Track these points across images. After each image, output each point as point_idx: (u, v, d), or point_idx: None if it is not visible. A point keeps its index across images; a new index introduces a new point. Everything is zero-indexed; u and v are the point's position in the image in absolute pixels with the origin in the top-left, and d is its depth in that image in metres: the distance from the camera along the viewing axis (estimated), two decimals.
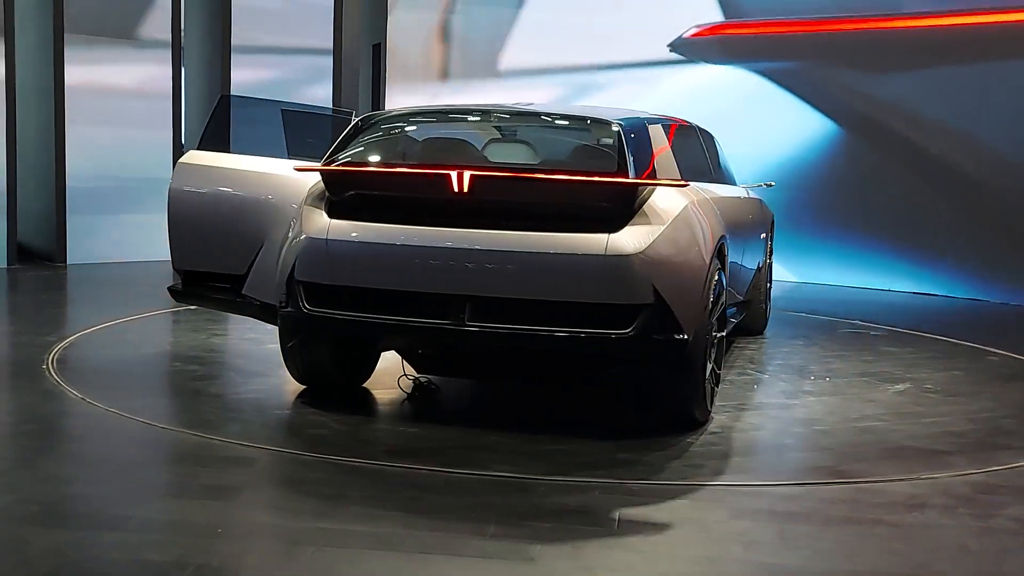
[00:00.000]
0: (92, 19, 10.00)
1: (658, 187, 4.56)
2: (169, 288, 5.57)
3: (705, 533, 3.56)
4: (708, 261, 4.64)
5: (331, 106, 11.08)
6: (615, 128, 4.69)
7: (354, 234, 4.62)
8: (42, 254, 10.14)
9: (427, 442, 4.50)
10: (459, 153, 4.94)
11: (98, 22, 10.05)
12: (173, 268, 5.57)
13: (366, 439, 4.58)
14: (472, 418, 4.96)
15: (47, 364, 5.62)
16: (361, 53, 12.42)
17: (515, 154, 4.95)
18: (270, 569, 3.11)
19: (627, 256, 4.33)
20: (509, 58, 11.78)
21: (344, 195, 4.70)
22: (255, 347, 6.28)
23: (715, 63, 10.97)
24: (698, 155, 6.04)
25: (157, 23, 10.32)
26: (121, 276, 9.32)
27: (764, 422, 5.01)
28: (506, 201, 4.53)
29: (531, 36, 11.61)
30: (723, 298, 4.96)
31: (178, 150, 10.52)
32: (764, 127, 10.32)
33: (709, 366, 4.76)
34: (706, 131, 6.54)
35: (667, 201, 4.55)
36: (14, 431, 4.52)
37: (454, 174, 4.37)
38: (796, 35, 10.66)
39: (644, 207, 4.47)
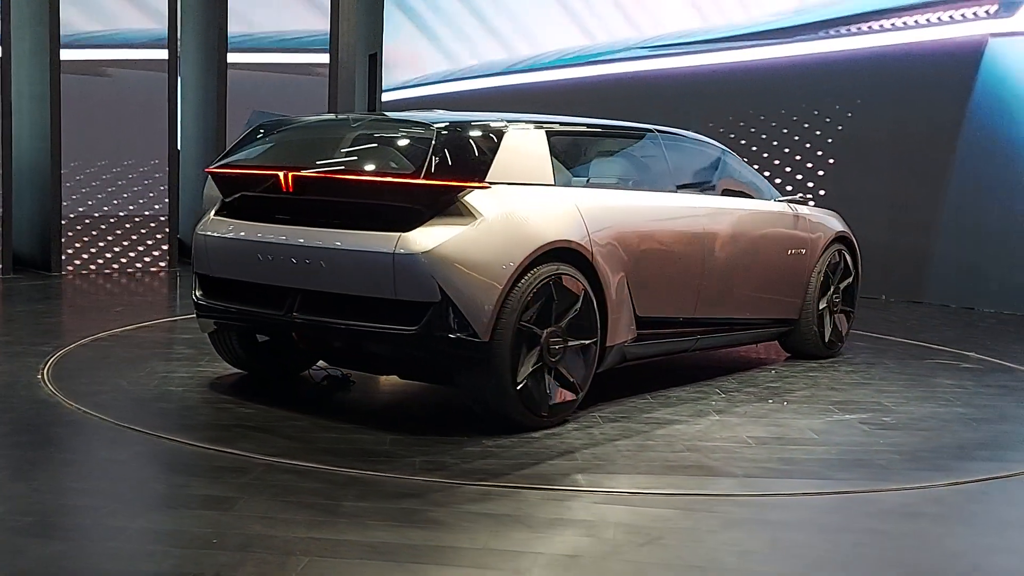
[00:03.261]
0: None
1: (475, 189, 4.69)
2: None
3: (697, 542, 3.57)
4: (518, 265, 4.65)
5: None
6: (430, 131, 4.80)
7: (219, 230, 5.22)
8: (37, 263, 10.14)
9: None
10: (304, 156, 5.13)
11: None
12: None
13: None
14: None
15: (42, 374, 5.63)
16: (357, 63, 12.47)
17: (352, 157, 4.96)
18: None
19: (412, 255, 4.52)
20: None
21: (228, 194, 5.28)
22: None
23: None
24: (641, 163, 5.99)
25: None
26: (117, 286, 9.32)
27: (604, 433, 4.84)
28: (324, 200, 4.89)
29: None
30: (581, 304, 4.91)
31: (175, 159, 10.54)
32: None
33: (526, 370, 4.70)
34: (690, 139, 6.40)
35: (478, 203, 4.67)
36: (8, 441, 4.52)
37: (281, 175, 4.85)
38: None
39: (451, 208, 4.64)
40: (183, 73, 11.09)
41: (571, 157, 5.48)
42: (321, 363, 5.70)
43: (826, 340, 6.92)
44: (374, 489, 3.97)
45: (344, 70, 11.70)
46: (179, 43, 10.78)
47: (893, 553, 3.56)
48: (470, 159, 4.82)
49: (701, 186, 6.26)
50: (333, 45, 11.48)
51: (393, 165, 4.80)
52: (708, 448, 4.68)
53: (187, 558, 3.24)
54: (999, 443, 5.01)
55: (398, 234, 4.57)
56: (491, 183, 4.79)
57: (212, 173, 5.33)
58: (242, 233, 5.11)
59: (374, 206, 4.73)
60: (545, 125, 5.30)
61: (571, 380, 4.95)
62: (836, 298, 6.98)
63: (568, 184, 5.28)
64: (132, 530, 3.51)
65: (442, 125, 4.85)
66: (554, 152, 5.24)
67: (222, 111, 10.87)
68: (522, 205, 4.86)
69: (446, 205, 4.64)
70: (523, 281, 4.69)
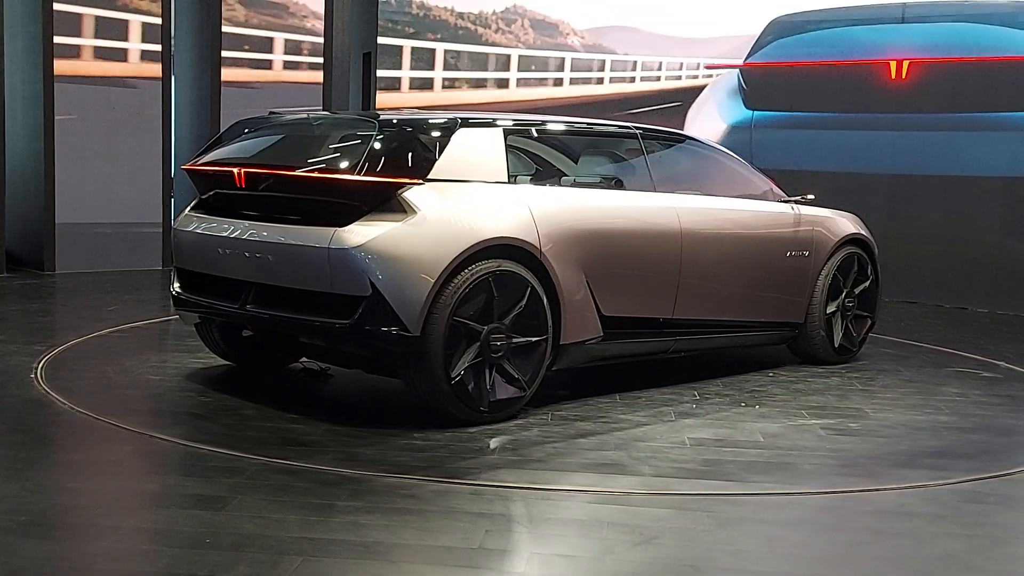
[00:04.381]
0: None
1: (414, 186, 4.75)
2: None
3: (692, 542, 3.56)
4: (451, 260, 4.67)
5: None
6: (371, 129, 4.91)
7: (190, 225, 5.38)
8: (30, 262, 10.11)
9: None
10: (264, 153, 5.27)
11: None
12: None
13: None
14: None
15: (35, 373, 5.61)
16: (352, 62, 12.45)
17: (304, 154, 5.05)
18: None
19: (345, 249, 4.61)
20: None
21: (203, 191, 5.45)
22: None
23: None
24: (616, 162, 5.98)
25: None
26: (111, 285, 9.30)
27: (543, 431, 4.77)
28: (275, 196, 5.00)
29: None
30: (526, 301, 4.90)
31: (167, 159, 10.51)
32: None
33: (462, 365, 4.72)
34: (678, 139, 6.36)
35: (416, 199, 4.73)
36: (2, 440, 4.50)
37: (235, 171, 5.01)
38: None
39: (388, 204, 4.71)
40: (177, 72, 11.05)
41: (534, 156, 5.50)
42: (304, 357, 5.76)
43: (836, 345, 6.70)
44: (368, 488, 3.96)
45: (337, 69, 11.68)
46: (173, 41, 10.75)
47: (888, 552, 3.56)
48: (412, 156, 4.88)
49: (688, 185, 6.12)
50: (327, 43, 11.46)
51: (338, 162, 4.86)
52: (638, 448, 4.61)
53: (180, 558, 3.23)
54: (954, 452, 4.80)
55: (334, 229, 4.65)
56: (434, 180, 4.83)
57: (186, 170, 5.48)
58: (207, 228, 5.26)
59: (319, 202, 4.82)
60: (503, 123, 5.30)
61: (516, 377, 4.93)
62: (850, 302, 6.73)
63: (530, 182, 5.30)
64: (125, 529, 3.50)
65: (385, 123, 4.93)
66: (513, 150, 5.27)
67: (216, 109, 10.84)
68: (464, 202, 4.88)
69: (384, 201, 4.71)
70: (459, 277, 4.71)
